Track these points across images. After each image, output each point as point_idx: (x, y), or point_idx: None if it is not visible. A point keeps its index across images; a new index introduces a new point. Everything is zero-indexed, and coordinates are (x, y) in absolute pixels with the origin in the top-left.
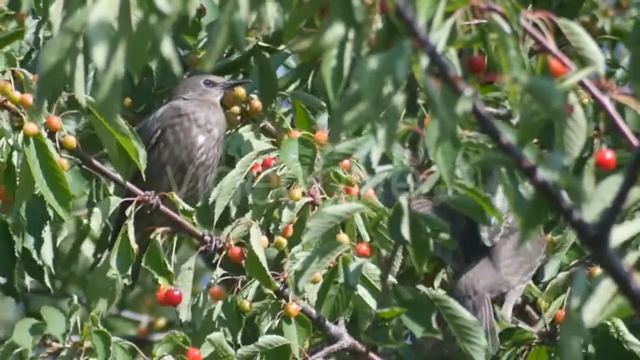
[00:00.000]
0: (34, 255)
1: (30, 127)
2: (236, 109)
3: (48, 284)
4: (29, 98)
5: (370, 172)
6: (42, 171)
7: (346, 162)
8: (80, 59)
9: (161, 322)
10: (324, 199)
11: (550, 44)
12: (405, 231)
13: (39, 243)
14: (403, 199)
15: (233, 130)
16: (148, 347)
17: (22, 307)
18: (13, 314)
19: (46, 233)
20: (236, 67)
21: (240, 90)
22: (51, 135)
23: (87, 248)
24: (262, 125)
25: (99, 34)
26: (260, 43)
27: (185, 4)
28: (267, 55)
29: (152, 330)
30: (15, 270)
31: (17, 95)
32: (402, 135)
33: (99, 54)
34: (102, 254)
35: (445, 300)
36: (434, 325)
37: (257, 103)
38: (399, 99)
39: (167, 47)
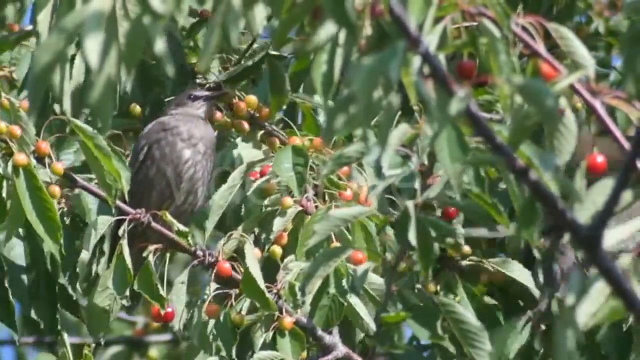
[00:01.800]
0: (70, 291)
1: (21, 157)
2: (245, 114)
3: (85, 318)
4: (17, 129)
5: (380, 175)
6: (31, 202)
7: (345, 168)
8: (67, 70)
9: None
10: (316, 206)
11: (541, 48)
12: (412, 236)
13: (74, 279)
14: (410, 204)
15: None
16: (144, 348)
17: (19, 310)
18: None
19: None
20: (246, 74)
21: (252, 98)
22: (40, 160)
23: (82, 254)
24: (265, 130)
25: (93, 30)
26: (271, 51)
27: (179, 3)
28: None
29: (148, 331)
30: (58, 316)
31: (3, 126)
32: (410, 138)
33: (93, 52)
34: (96, 263)
35: (451, 305)
36: (439, 330)
37: (266, 110)
38: (394, 101)
39: (160, 46)
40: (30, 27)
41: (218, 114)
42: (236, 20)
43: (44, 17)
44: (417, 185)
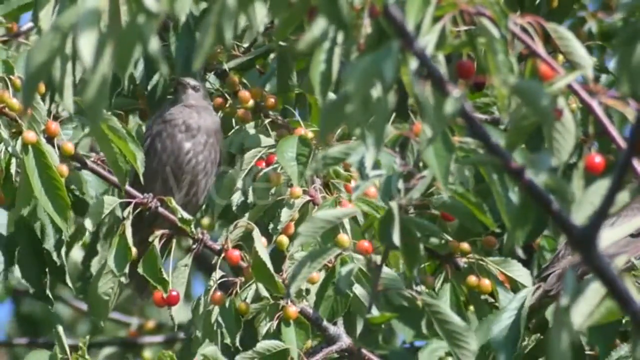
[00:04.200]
0: (55, 257)
1: (30, 135)
2: (250, 104)
3: (69, 283)
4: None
5: (364, 176)
6: (40, 180)
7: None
8: (69, 66)
9: (151, 324)
10: (323, 197)
11: (539, 48)
12: (395, 236)
13: (59, 245)
14: (393, 204)
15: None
16: (137, 349)
17: (13, 308)
18: (4, 315)
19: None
20: (253, 63)
21: (257, 89)
22: (50, 140)
23: (77, 253)
24: (270, 119)
25: (87, 30)
26: (281, 43)
27: (173, 3)
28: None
29: (142, 332)
30: (47, 278)
31: (15, 102)
32: (393, 139)
33: (86, 52)
34: (90, 261)
35: (436, 305)
36: (424, 329)
37: (272, 100)
38: (388, 101)
39: (154, 47)
40: (29, 24)
41: (218, 99)
42: (231, 20)
43: (45, 14)
44: (400, 185)
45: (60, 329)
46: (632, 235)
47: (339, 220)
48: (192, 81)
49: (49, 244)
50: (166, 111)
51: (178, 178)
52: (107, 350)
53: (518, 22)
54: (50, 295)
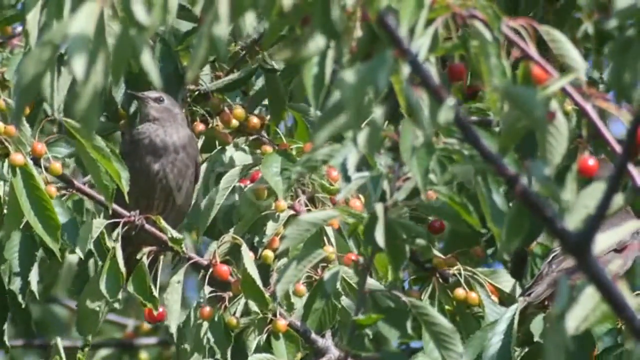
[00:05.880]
0: (20, 299)
1: (17, 157)
2: (234, 124)
3: (34, 328)
4: (14, 129)
5: (347, 179)
6: (29, 201)
7: (334, 174)
8: (56, 78)
9: (147, 325)
10: (309, 210)
11: (532, 51)
12: (379, 237)
13: (25, 286)
14: (378, 206)
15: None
16: (134, 350)
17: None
18: None
19: (33, 271)
20: (237, 84)
21: (239, 110)
22: (36, 160)
23: (72, 256)
24: (255, 137)
25: (78, 45)
26: (263, 64)
27: (164, 15)
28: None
29: (139, 334)
30: (5, 324)
31: (0, 125)
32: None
33: (78, 65)
34: (87, 263)
35: (422, 307)
36: (409, 330)
37: (254, 120)
38: (383, 108)
39: (147, 58)
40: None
41: (201, 126)
42: (225, 32)
43: (33, 17)
44: (385, 187)
45: (59, 340)
46: (615, 250)
47: (324, 223)
48: (152, 94)
49: (15, 285)
50: (134, 129)
51: (152, 197)
52: (104, 352)
53: (511, 25)
54: (7, 343)
